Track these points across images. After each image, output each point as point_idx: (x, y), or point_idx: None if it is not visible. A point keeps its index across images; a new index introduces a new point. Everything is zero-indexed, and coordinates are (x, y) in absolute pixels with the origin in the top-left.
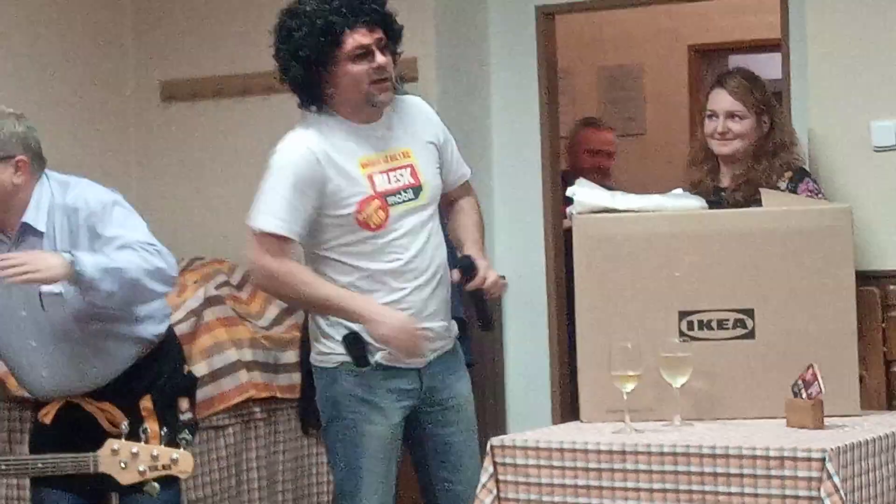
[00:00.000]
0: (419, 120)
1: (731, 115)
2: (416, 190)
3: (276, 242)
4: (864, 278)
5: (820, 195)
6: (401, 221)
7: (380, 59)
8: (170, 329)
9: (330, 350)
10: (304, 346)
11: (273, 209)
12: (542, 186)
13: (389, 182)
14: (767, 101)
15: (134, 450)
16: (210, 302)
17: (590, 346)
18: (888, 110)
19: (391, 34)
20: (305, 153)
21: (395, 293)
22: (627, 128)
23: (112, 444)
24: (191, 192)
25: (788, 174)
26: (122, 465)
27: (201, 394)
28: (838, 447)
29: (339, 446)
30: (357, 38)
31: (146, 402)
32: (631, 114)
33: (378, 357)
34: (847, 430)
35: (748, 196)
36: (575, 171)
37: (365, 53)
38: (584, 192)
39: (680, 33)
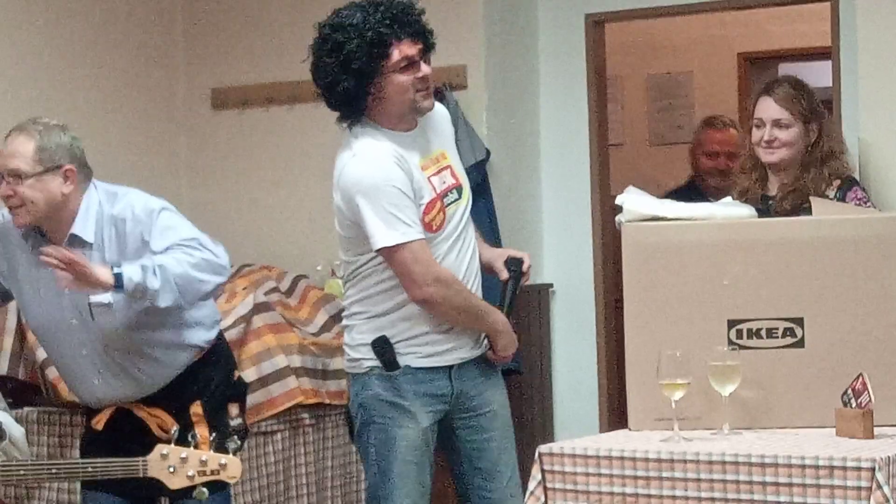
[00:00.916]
0: (443, 123)
1: (777, 124)
2: (459, 189)
3: (425, 248)
4: None
5: (868, 203)
6: (452, 222)
7: (424, 69)
8: (220, 335)
9: (361, 356)
10: None
11: (402, 219)
12: (590, 193)
13: (443, 183)
14: (815, 109)
15: (183, 455)
16: (259, 308)
17: (638, 353)
18: None
19: (429, 46)
20: (392, 161)
21: None
22: (676, 136)
23: (161, 448)
24: (240, 200)
25: (837, 182)
26: (171, 469)
27: (250, 399)
28: (888, 457)
29: (372, 450)
30: (403, 49)
31: (196, 408)
32: (680, 122)
33: (407, 361)
34: None
35: (796, 205)
36: (697, 174)
37: (410, 64)
38: (633, 200)
39: (730, 41)
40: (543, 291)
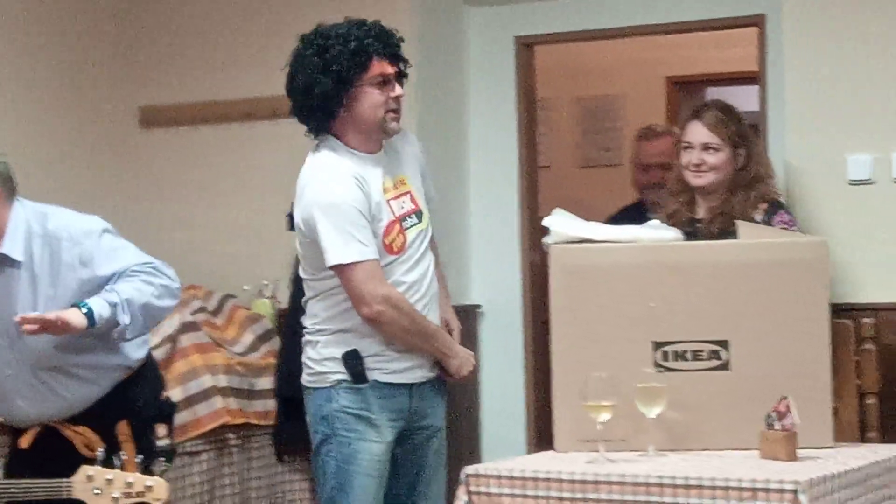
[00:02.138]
0: (408, 149)
1: (706, 148)
2: (419, 214)
3: (377, 268)
4: (839, 311)
5: (795, 227)
6: (413, 245)
7: (398, 90)
8: (149, 355)
9: (327, 370)
10: (279, 373)
11: (358, 238)
12: (519, 215)
13: (402, 207)
14: (743, 134)
15: (108, 476)
16: (186, 328)
17: (564, 375)
18: (864, 144)
19: (403, 73)
20: (352, 181)
21: (399, 290)
22: (605, 159)
23: (86, 470)
24: (168, 219)
25: (763, 206)
26: (96, 491)
27: (176, 420)
28: (811, 479)
29: (332, 464)
30: (382, 65)
31: (123, 428)
32: (608, 144)
33: (374, 376)
34: (820, 462)
35: (723, 227)
36: (638, 191)
37: (385, 82)
38: (560, 222)
39: (658, 65)
40: (471, 312)
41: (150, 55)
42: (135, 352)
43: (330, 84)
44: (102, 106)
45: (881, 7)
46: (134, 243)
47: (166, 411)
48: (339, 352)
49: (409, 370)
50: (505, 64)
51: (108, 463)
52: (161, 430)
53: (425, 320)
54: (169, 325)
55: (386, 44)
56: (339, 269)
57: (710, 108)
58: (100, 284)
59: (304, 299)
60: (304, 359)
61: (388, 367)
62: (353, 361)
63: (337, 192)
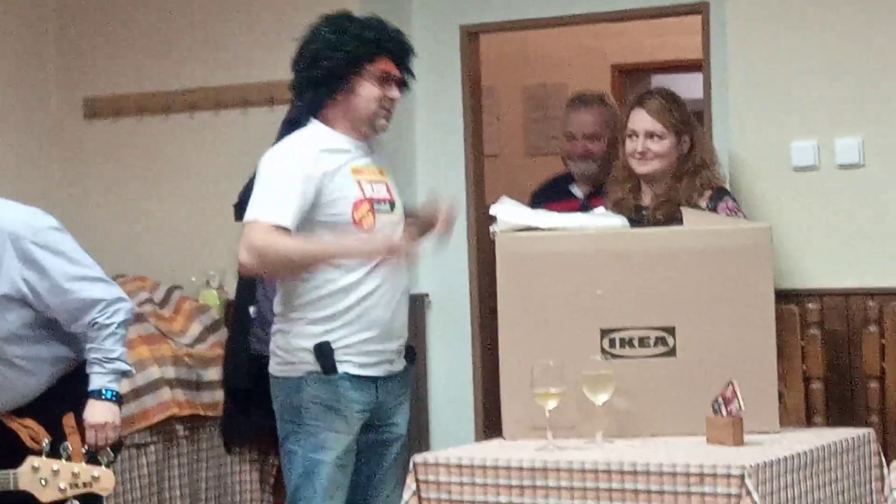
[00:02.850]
0: (386, 149)
1: (650, 135)
2: (392, 204)
3: (267, 231)
4: (784, 297)
5: (739, 214)
6: (385, 230)
7: (395, 92)
8: None
9: (297, 360)
10: (227, 364)
11: (280, 201)
12: (466, 204)
13: (374, 192)
14: (687, 121)
15: (55, 467)
16: (132, 320)
17: (512, 363)
18: (808, 131)
19: (405, 82)
20: (304, 151)
21: (368, 299)
22: (552, 147)
23: (32, 461)
24: (113, 210)
25: (708, 193)
26: (43, 482)
27: (123, 411)
28: (757, 464)
29: (300, 452)
30: (389, 64)
31: (69, 420)
32: (555, 132)
33: (344, 368)
34: (766, 447)
35: (669, 215)
36: (564, 162)
37: (386, 80)
38: (507, 210)
39: (603, 53)
40: (419, 301)
41: (93, 46)
42: (78, 345)
43: (338, 60)
44: (46, 98)
45: None
46: (79, 235)
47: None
48: (310, 343)
49: (377, 364)
50: (450, 53)
51: (54, 454)
52: None
53: (304, 248)
54: None
55: (400, 48)
56: (249, 226)
57: (653, 95)
58: (57, 304)
59: (276, 284)
60: (272, 347)
61: (357, 360)
62: (324, 353)
63: (286, 153)
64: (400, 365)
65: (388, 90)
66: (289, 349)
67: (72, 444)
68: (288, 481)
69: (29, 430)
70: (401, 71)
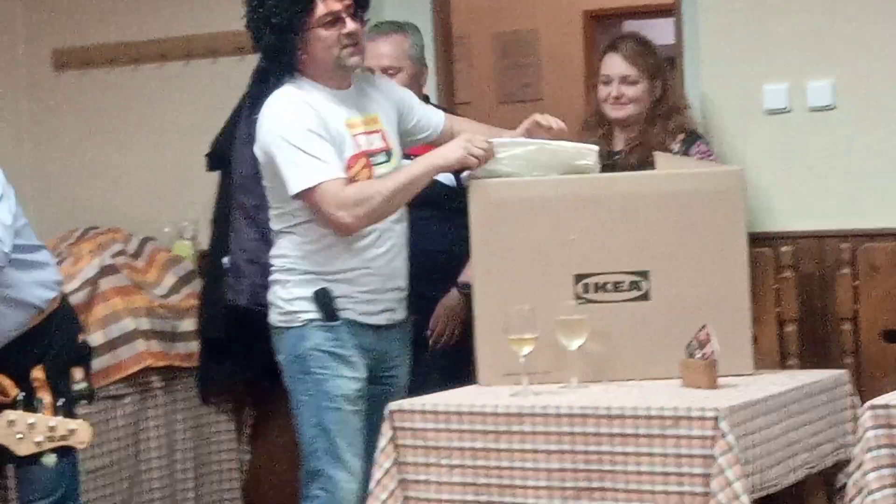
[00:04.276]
0: (382, 91)
1: (624, 80)
2: (388, 153)
3: (336, 184)
4: (757, 240)
5: (712, 157)
6: None
7: (350, 25)
8: (64, 299)
9: (298, 308)
10: (202, 315)
11: (322, 159)
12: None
13: (370, 143)
14: (659, 65)
15: (30, 421)
16: (106, 271)
17: (487, 310)
18: (780, 74)
19: (361, 3)
20: (302, 106)
21: (369, 250)
22: (523, 94)
23: (7, 415)
24: (84, 162)
25: (681, 136)
26: (19, 436)
27: (98, 363)
28: (731, 406)
29: (310, 402)
30: (328, 4)
31: (38, 373)
32: (527, 80)
33: (345, 315)
34: (740, 389)
35: (642, 159)
36: None
37: (335, 20)
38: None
39: None
40: None
41: None
42: (42, 292)
43: (273, 37)
44: (14, 50)
45: None
46: (50, 187)
47: (83, 354)
48: (308, 291)
49: (377, 313)
50: (421, 1)
51: (27, 408)
52: (77, 373)
53: (395, 182)
54: (89, 269)
55: None
56: (304, 196)
57: (626, 40)
58: None
59: (271, 235)
60: (271, 298)
61: (357, 308)
62: (324, 300)
63: (289, 118)
64: (402, 314)
65: (341, 27)
66: (288, 299)
67: (43, 397)
68: (302, 433)
69: None
70: None
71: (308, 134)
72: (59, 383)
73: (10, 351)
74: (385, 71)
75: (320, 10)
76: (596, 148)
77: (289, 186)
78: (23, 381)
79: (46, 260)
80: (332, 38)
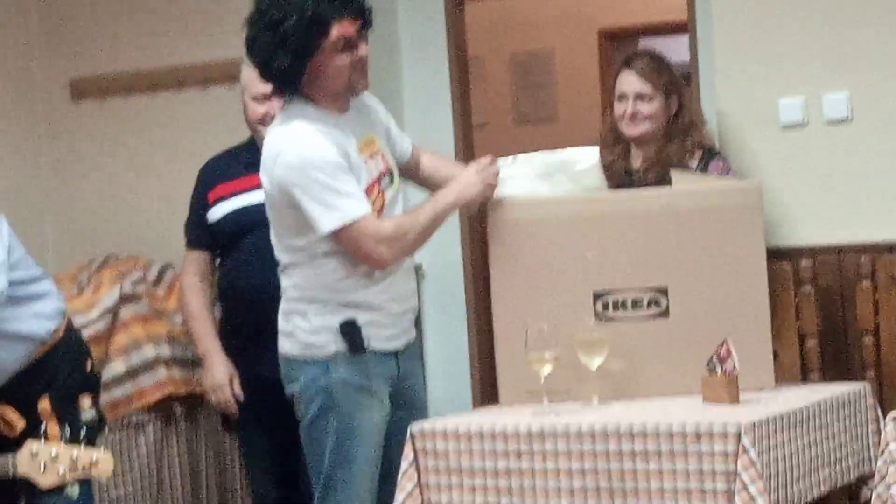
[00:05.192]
0: (371, 108)
1: (640, 97)
2: (391, 175)
3: (370, 219)
4: (776, 254)
5: (731, 173)
6: (390, 207)
7: (362, 50)
8: (69, 328)
9: (324, 340)
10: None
11: (343, 193)
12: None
13: (377, 168)
14: (675, 82)
15: (54, 452)
16: (126, 299)
17: (506, 329)
18: (795, 88)
19: (368, 23)
20: (322, 139)
21: (388, 276)
22: (540, 114)
23: (31, 445)
24: (103, 190)
25: (699, 154)
26: (42, 467)
27: (120, 391)
28: (753, 421)
29: (332, 435)
30: (343, 27)
31: (44, 404)
32: (543, 99)
33: (371, 344)
34: (762, 404)
35: (660, 176)
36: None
37: (348, 44)
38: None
39: (589, 17)
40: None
41: (77, 26)
42: (43, 323)
43: (288, 60)
44: (32, 80)
45: None
46: (69, 215)
47: (90, 382)
48: (333, 321)
49: (397, 336)
50: (436, 21)
51: (33, 438)
52: (85, 401)
53: (422, 214)
54: (109, 298)
55: (346, 3)
56: (334, 237)
57: (640, 56)
58: None
59: (281, 266)
60: (288, 328)
61: (381, 334)
62: (351, 331)
63: (312, 153)
64: (413, 333)
65: (354, 52)
66: (310, 330)
67: (49, 429)
68: (317, 465)
69: (3, 415)
70: (358, 18)
71: (334, 169)
72: (66, 413)
73: (16, 382)
74: (266, 98)
75: (335, 33)
76: (595, 151)
77: (320, 225)
78: (30, 412)
79: (47, 290)
80: (345, 63)
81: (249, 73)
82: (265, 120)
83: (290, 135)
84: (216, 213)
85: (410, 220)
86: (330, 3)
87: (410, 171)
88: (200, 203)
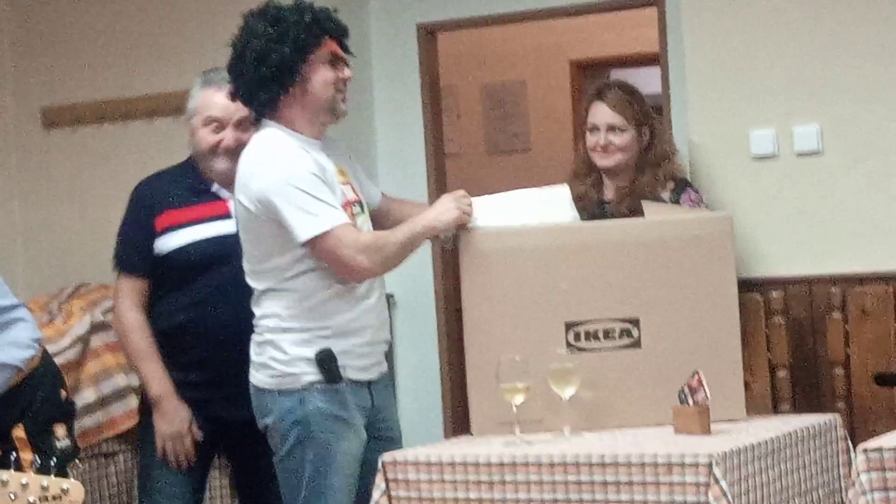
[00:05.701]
0: (339, 144)
1: (611, 128)
2: (361, 205)
3: (349, 228)
4: (747, 285)
5: (702, 205)
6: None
7: (346, 72)
8: (45, 356)
9: (298, 370)
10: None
11: (322, 203)
12: (428, 203)
13: (350, 193)
14: (646, 113)
15: (24, 481)
16: (97, 328)
17: (479, 359)
18: (766, 119)
19: (349, 52)
20: (298, 149)
21: (363, 302)
22: (512, 144)
23: (1, 474)
24: (75, 219)
25: (671, 185)
26: (12, 496)
27: (90, 420)
28: (724, 452)
29: (308, 466)
30: (333, 45)
31: (18, 432)
32: (516, 129)
33: (347, 374)
34: (733, 435)
35: (632, 207)
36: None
37: (335, 62)
38: (485, 213)
39: (561, 48)
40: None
41: (49, 55)
42: (19, 352)
43: (287, 52)
44: (3, 108)
45: None
46: (41, 244)
47: (66, 411)
48: (308, 351)
49: (370, 367)
50: (408, 51)
51: (4, 466)
52: (60, 430)
53: (400, 232)
54: (80, 326)
55: (339, 26)
56: (316, 242)
57: (612, 88)
58: None
59: (255, 294)
60: (264, 359)
61: (357, 364)
62: (328, 361)
63: (290, 162)
64: (385, 366)
65: (341, 71)
66: (285, 360)
67: (22, 455)
68: (293, 496)
69: None
70: (343, 46)
71: (313, 178)
72: (40, 442)
73: None
74: (239, 126)
75: (328, 46)
76: (567, 188)
77: (298, 233)
78: (3, 440)
79: (22, 317)
80: (332, 77)
81: (205, 97)
82: (217, 149)
83: (269, 149)
84: (168, 242)
85: (388, 235)
86: (326, 18)
87: (381, 216)
88: (143, 228)
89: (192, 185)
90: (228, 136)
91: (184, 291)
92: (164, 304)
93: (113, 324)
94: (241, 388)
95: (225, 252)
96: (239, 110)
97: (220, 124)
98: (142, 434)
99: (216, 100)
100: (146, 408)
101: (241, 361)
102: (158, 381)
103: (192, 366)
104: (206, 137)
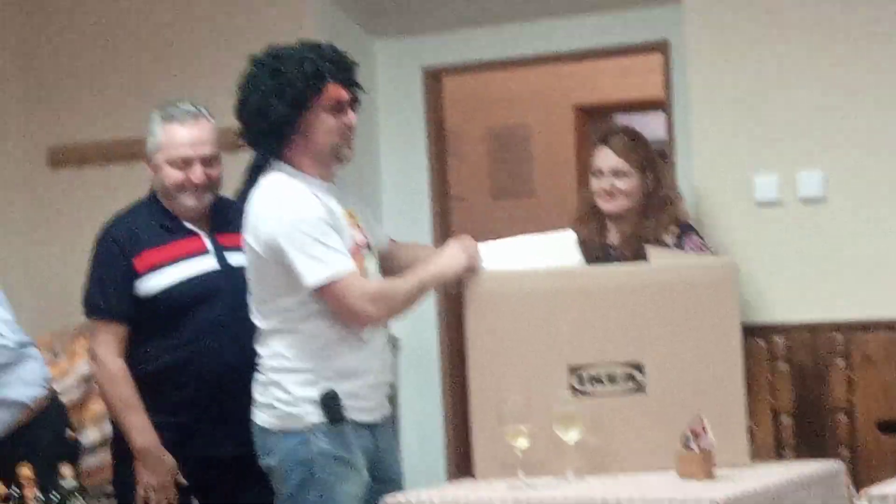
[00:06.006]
0: (349, 189)
1: (616, 173)
2: (370, 247)
3: (356, 276)
4: (751, 331)
5: (706, 250)
6: (369, 276)
7: (351, 117)
8: (52, 396)
9: (302, 411)
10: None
11: (331, 248)
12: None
13: (360, 235)
14: (651, 158)
15: None
16: None
17: (483, 402)
18: (770, 165)
19: (357, 99)
20: (308, 194)
21: (367, 344)
22: (517, 188)
23: None
24: (80, 259)
25: (675, 230)
26: None
27: (94, 461)
28: (728, 497)
29: None
30: (337, 90)
31: (25, 471)
32: (520, 173)
33: (350, 415)
34: (737, 481)
35: (636, 252)
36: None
37: (340, 108)
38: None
39: (566, 93)
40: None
41: (56, 95)
42: (27, 390)
43: (284, 108)
44: (10, 148)
45: (781, 29)
46: (45, 284)
47: (72, 451)
48: (313, 392)
49: (374, 409)
50: (413, 95)
51: None
52: (66, 470)
53: (408, 282)
54: (84, 366)
55: (341, 68)
56: (320, 292)
57: (617, 133)
58: None
59: (260, 333)
60: (268, 399)
61: (360, 406)
62: (332, 403)
63: (299, 207)
64: (389, 409)
65: (344, 117)
66: (289, 401)
67: (27, 495)
68: None
69: None
70: (349, 90)
71: (322, 223)
72: (47, 480)
73: None
74: (207, 162)
75: (330, 93)
76: (572, 232)
77: (306, 278)
78: (10, 479)
79: (33, 355)
80: (334, 125)
81: (169, 134)
82: (185, 187)
83: (278, 193)
84: (152, 284)
85: (396, 284)
86: (328, 63)
87: (388, 260)
88: (122, 271)
89: (163, 222)
90: (197, 172)
91: (169, 332)
92: (147, 347)
93: (93, 372)
94: (226, 424)
95: (210, 290)
96: (205, 146)
97: (186, 162)
98: (118, 485)
99: (180, 137)
100: (121, 456)
101: (229, 399)
102: (143, 432)
103: (178, 407)
104: (173, 175)
